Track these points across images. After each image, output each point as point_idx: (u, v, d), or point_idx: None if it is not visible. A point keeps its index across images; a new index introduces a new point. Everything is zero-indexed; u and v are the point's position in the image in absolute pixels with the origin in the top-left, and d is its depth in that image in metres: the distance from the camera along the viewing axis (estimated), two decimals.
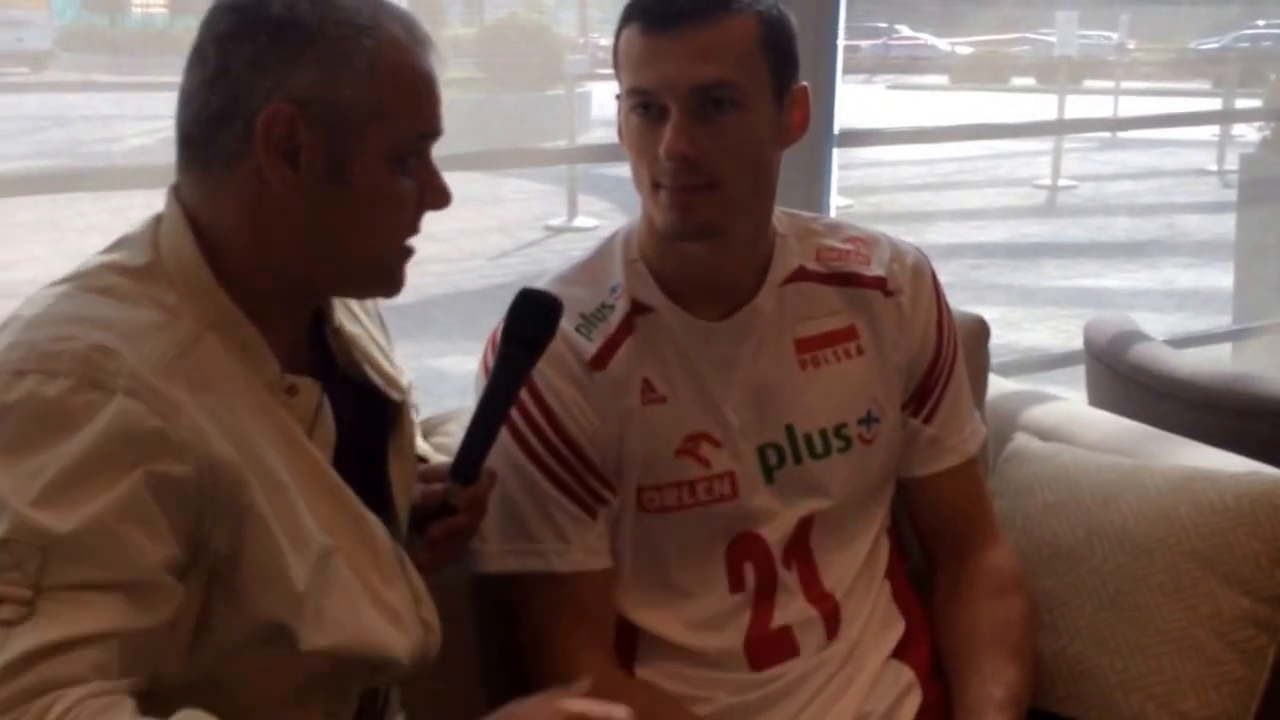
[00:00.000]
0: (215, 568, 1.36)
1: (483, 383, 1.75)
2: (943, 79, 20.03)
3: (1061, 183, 13.96)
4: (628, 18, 1.79)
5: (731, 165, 1.77)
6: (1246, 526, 2.03)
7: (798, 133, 1.89)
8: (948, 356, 2.07)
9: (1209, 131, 14.65)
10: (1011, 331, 7.61)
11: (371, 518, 1.55)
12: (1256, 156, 6.71)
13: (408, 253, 1.53)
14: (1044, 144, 14.27)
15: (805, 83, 1.88)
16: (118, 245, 1.47)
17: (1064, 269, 10.53)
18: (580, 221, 10.65)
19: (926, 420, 2.07)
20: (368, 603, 1.49)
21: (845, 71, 3.13)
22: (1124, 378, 3.01)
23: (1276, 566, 2.03)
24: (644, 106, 1.77)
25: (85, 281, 1.41)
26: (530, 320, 1.69)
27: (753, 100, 1.77)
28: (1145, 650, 2.02)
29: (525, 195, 11.85)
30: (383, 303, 1.68)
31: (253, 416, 1.41)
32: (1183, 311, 8.61)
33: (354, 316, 1.70)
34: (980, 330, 2.43)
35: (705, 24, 1.74)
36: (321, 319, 1.61)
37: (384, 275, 1.53)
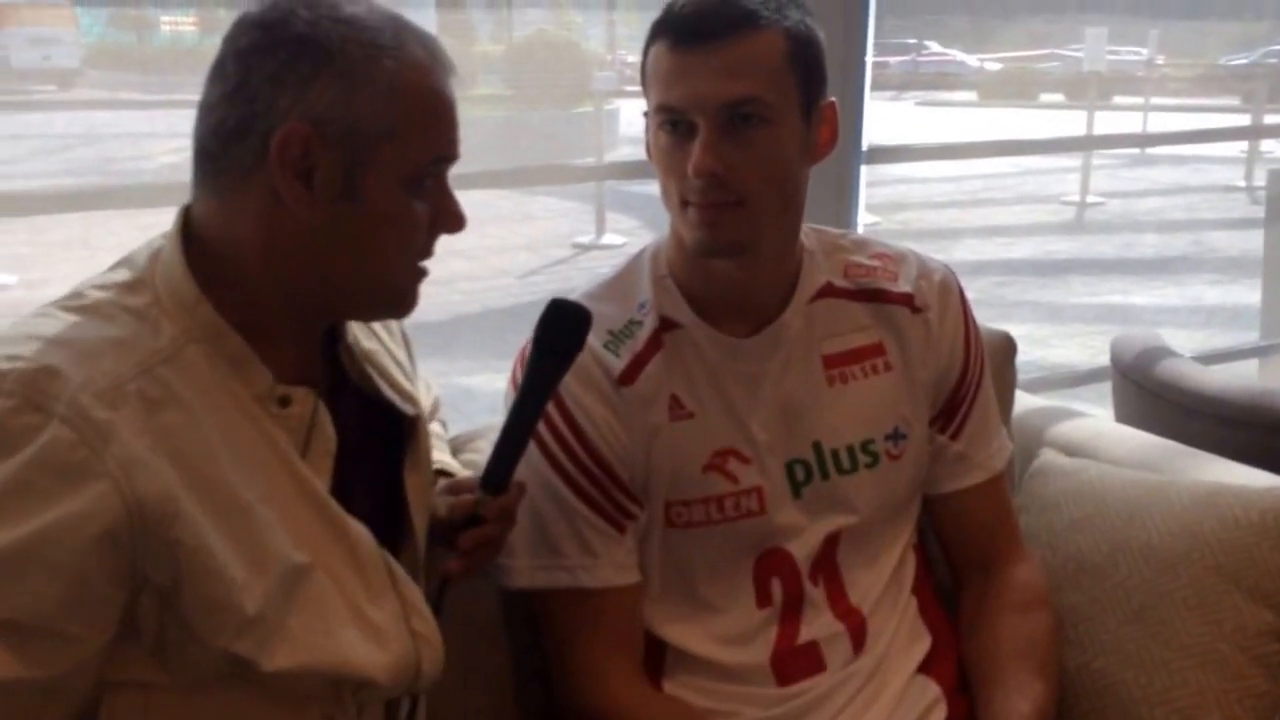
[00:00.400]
0: (163, 596, 1.34)
1: (512, 397, 1.76)
2: (971, 95, 20.05)
3: (1090, 199, 13.97)
4: (656, 34, 1.78)
5: (760, 182, 1.77)
6: (1271, 541, 2.02)
7: (826, 149, 1.88)
8: (975, 373, 2.06)
9: (1237, 147, 14.65)
10: (1038, 348, 7.63)
11: (357, 530, 1.51)
12: None
13: (420, 274, 1.52)
14: (1072, 160, 14.30)
15: (834, 98, 1.87)
16: (119, 263, 1.47)
17: (1091, 286, 10.52)
18: (608, 239, 10.69)
19: (953, 436, 2.06)
20: (346, 620, 1.47)
21: (874, 87, 3.13)
22: (1151, 394, 3.01)
23: None
24: (672, 123, 1.77)
25: (68, 301, 1.41)
26: (561, 331, 1.69)
27: (781, 116, 1.77)
28: (1169, 665, 2.02)
29: (553, 213, 11.89)
30: (411, 321, 1.67)
31: (229, 431, 1.40)
32: (1210, 328, 8.61)
33: (372, 333, 1.70)
34: (1007, 347, 2.44)
35: (733, 40, 1.73)
36: (335, 336, 1.61)
37: (394, 296, 1.53)
